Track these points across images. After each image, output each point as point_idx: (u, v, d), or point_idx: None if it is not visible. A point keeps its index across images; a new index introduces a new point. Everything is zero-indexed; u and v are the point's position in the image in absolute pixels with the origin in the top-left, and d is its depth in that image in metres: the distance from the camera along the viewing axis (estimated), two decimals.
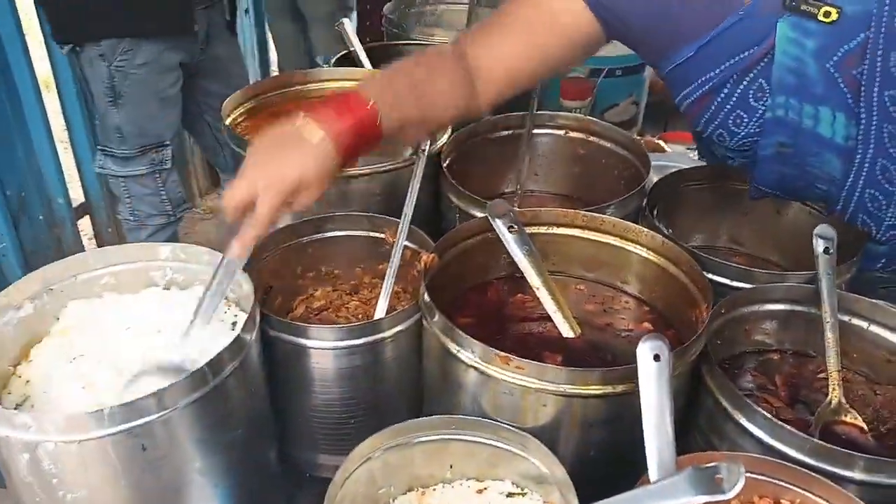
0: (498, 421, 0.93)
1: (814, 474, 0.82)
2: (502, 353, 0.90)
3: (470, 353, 0.93)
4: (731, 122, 1.06)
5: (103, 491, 0.87)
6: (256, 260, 1.17)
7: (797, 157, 1.06)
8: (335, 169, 0.99)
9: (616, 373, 0.89)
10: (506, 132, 1.50)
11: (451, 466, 0.96)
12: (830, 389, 0.99)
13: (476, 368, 0.92)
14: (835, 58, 0.95)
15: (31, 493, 0.86)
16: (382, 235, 1.23)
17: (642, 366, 0.81)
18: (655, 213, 1.27)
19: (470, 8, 2.22)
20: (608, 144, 1.48)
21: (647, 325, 1.16)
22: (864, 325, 1.07)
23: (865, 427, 0.97)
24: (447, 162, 1.35)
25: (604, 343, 1.14)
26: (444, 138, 1.39)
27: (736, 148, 1.10)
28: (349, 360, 1.04)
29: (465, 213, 1.26)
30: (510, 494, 0.94)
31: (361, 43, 1.81)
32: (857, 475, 0.83)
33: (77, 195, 3.03)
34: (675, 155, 2.03)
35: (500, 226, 1.10)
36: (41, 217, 2.76)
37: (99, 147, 2.36)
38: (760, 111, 1.03)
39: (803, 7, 0.93)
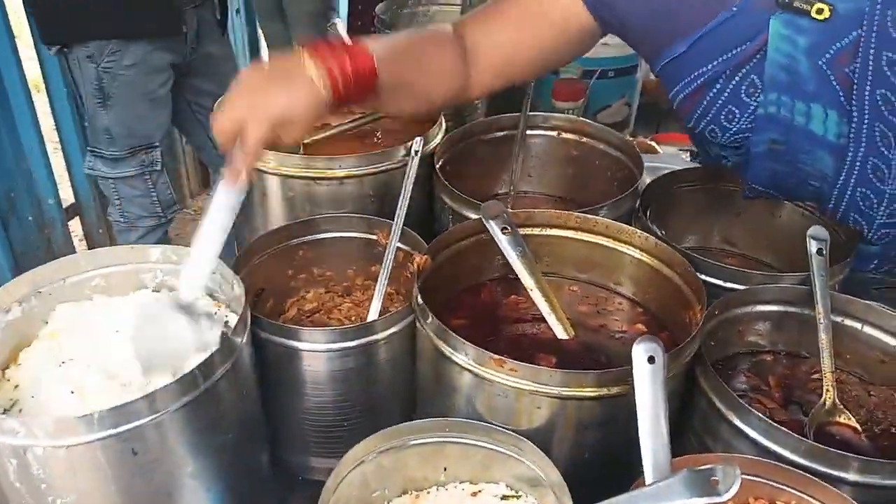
0: (492, 423, 0.93)
1: (809, 476, 0.82)
2: (496, 356, 0.89)
3: (464, 356, 0.92)
4: (722, 117, 1.06)
5: (93, 496, 0.86)
6: (248, 262, 1.17)
7: (789, 154, 1.06)
8: (325, 108, 0.98)
9: (610, 375, 0.88)
10: (499, 133, 1.50)
11: (445, 469, 0.96)
12: (824, 390, 0.99)
13: (470, 371, 0.92)
14: (827, 55, 0.95)
15: (19, 498, 0.85)
16: (375, 237, 1.23)
17: (637, 368, 0.81)
18: (649, 214, 1.27)
19: (462, 9, 2.21)
20: (601, 146, 1.48)
21: (640, 326, 1.16)
22: (858, 326, 1.07)
23: (859, 428, 0.97)
24: (440, 163, 1.34)
25: (598, 345, 1.13)
26: (437, 139, 1.38)
27: (728, 144, 1.10)
28: (342, 362, 1.03)
29: (458, 215, 1.26)
30: (504, 497, 0.94)
31: None
32: (851, 476, 0.83)
33: (67, 196, 3.01)
34: (668, 156, 2.03)
35: (493, 227, 1.10)
36: (31, 218, 2.74)
37: (89, 148, 2.35)
38: (752, 107, 1.03)
39: (796, 4, 0.94)
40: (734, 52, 1.00)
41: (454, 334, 0.92)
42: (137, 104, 2.26)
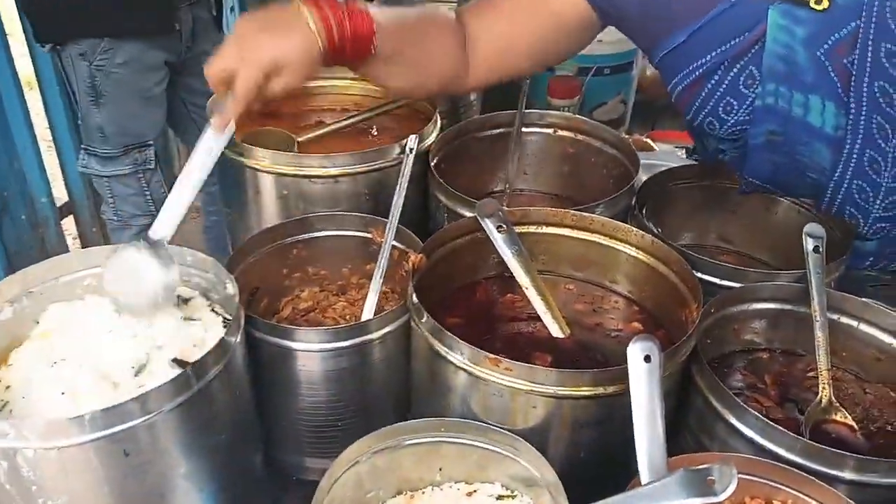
0: (487, 423, 0.92)
1: (805, 475, 0.82)
2: (491, 355, 0.89)
3: (459, 355, 0.92)
4: (721, 109, 1.05)
5: (85, 498, 0.85)
6: (242, 261, 1.16)
7: (787, 146, 1.06)
8: (319, 58, 0.99)
9: (606, 374, 0.88)
10: (494, 131, 1.49)
11: (440, 469, 0.95)
12: (820, 388, 0.98)
13: (465, 370, 0.91)
14: (825, 46, 0.95)
15: (10, 501, 0.84)
16: (370, 235, 1.22)
17: (633, 367, 0.81)
18: (645, 211, 1.26)
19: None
20: (597, 143, 1.47)
21: (636, 325, 1.15)
22: (854, 323, 1.06)
23: (855, 426, 0.97)
24: (435, 161, 1.33)
25: (593, 343, 1.13)
26: (433, 137, 1.37)
27: (726, 137, 1.09)
28: (336, 362, 1.03)
29: (453, 213, 1.25)
30: (500, 497, 0.93)
31: None
32: (848, 475, 0.83)
33: (61, 195, 3.00)
34: (663, 153, 2.03)
35: (488, 225, 1.09)
36: (24, 217, 2.72)
37: (82, 146, 2.33)
38: (750, 98, 1.03)
39: None
40: (732, 42, 1.00)
41: (449, 333, 0.92)
42: (130, 102, 2.24)
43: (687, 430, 0.99)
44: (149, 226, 2.37)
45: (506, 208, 1.13)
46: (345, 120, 1.48)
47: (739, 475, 0.72)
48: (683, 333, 0.96)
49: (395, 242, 1.16)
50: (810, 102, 1.00)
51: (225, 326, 1.01)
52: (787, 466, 0.83)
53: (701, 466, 0.73)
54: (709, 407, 0.93)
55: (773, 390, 1.06)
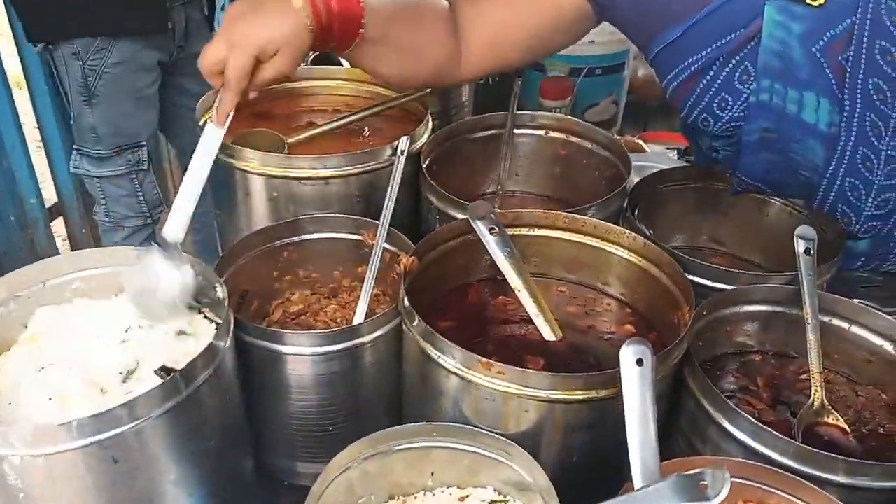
0: (479, 427, 0.92)
1: (798, 478, 0.82)
2: (483, 359, 0.88)
3: (450, 359, 0.91)
4: (715, 105, 1.05)
5: None
6: (232, 264, 1.15)
7: (781, 143, 1.06)
8: (308, 38, 0.99)
9: (599, 378, 0.88)
10: (486, 132, 1.49)
11: (432, 474, 0.95)
12: (812, 391, 0.98)
13: (457, 374, 0.91)
14: (821, 42, 0.95)
15: None
16: (361, 238, 1.21)
17: (625, 371, 0.81)
18: (637, 213, 1.26)
19: None
20: (589, 145, 1.47)
21: (629, 327, 1.15)
22: (846, 325, 1.06)
23: (847, 429, 0.97)
24: (427, 163, 1.33)
25: (586, 346, 1.13)
26: (424, 138, 1.37)
27: (720, 134, 1.09)
28: (327, 366, 1.02)
29: (445, 215, 1.25)
30: (492, 502, 0.93)
31: None
32: (840, 478, 0.83)
33: (50, 196, 2.98)
34: (655, 154, 2.03)
35: (480, 227, 1.09)
36: (13, 218, 2.71)
37: (74, 147, 2.32)
38: (745, 95, 1.03)
39: None
40: (728, 38, 1.00)
41: (441, 337, 0.91)
42: (124, 102, 2.23)
43: (679, 433, 0.99)
44: (141, 227, 2.35)
45: (498, 210, 1.12)
46: (336, 121, 1.47)
47: (732, 479, 0.71)
48: (676, 336, 0.96)
49: (386, 245, 1.15)
50: (805, 99, 1.00)
51: (215, 330, 1.00)
52: (779, 470, 0.83)
53: (694, 471, 0.73)
54: (701, 410, 0.93)
55: (766, 392, 1.06)
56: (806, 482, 0.81)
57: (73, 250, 2.92)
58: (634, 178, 1.33)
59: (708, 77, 1.03)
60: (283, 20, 0.96)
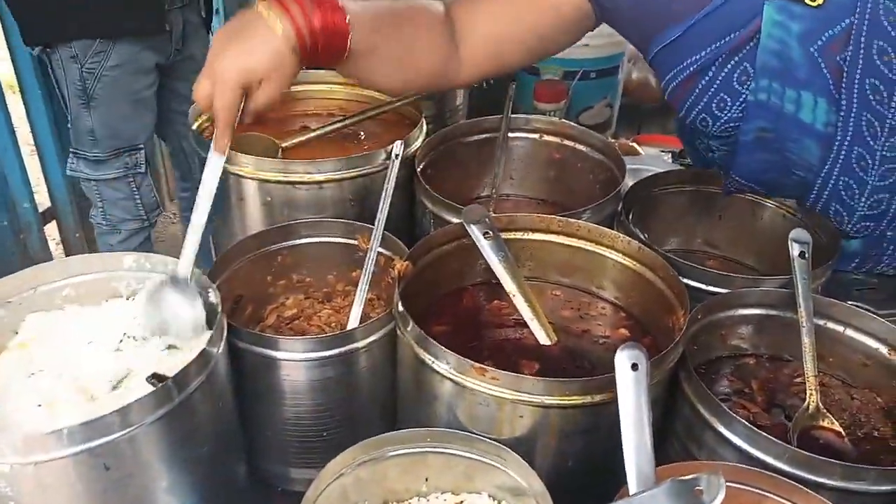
0: (474, 433, 0.91)
1: (794, 482, 0.81)
2: (477, 364, 0.88)
3: (444, 364, 0.91)
4: (714, 105, 1.05)
5: None
6: (225, 268, 1.14)
7: (777, 143, 1.06)
8: (294, 61, 0.97)
9: (594, 382, 0.87)
10: (480, 136, 1.48)
11: (426, 480, 0.94)
12: (808, 394, 0.98)
13: (451, 379, 0.90)
14: (819, 42, 0.95)
15: None
16: (356, 242, 1.21)
17: (620, 376, 0.80)
18: (631, 217, 1.26)
19: None
20: (584, 148, 1.47)
21: (623, 331, 1.15)
22: (840, 329, 1.06)
23: (843, 432, 0.96)
24: (421, 166, 1.33)
25: (581, 350, 1.12)
26: (418, 142, 1.36)
27: (718, 134, 1.09)
28: (321, 371, 1.02)
29: (439, 219, 1.24)
30: None
31: None
32: (835, 482, 0.83)
33: (44, 200, 2.97)
34: (649, 157, 2.03)
35: (475, 231, 1.08)
36: (6, 222, 2.70)
37: (71, 150, 2.31)
38: (744, 95, 1.03)
39: None
40: (728, 38, 1.00)
41: (435, 342, 0.91)
42: (122, 105, 2.23)
43: (674, 437, 0.99)
44: (138, 230, 2.34)
45: (492, 214, 1.12)
46: (330, 125, 1.46)
47: (727, 483, 0.71)
48: (670, 340, 0.95)
49: (380, 249, 1.15)
50: (802, 99, 1.00)
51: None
52: (774, 474, 0.83)
53: (689, 476, 0.73)
54: (696, 415, 0.92)
55: (760, 396, 1.06)
56: (801, 486, 0.81)
57: (66, 255, 2.91)
58: (629, 182, 1.33)
59: (707, 77, 1.03)
60: (266, 47, 0.94)
